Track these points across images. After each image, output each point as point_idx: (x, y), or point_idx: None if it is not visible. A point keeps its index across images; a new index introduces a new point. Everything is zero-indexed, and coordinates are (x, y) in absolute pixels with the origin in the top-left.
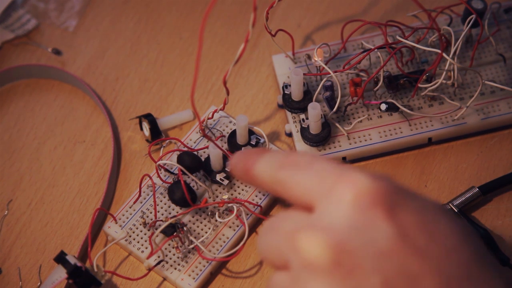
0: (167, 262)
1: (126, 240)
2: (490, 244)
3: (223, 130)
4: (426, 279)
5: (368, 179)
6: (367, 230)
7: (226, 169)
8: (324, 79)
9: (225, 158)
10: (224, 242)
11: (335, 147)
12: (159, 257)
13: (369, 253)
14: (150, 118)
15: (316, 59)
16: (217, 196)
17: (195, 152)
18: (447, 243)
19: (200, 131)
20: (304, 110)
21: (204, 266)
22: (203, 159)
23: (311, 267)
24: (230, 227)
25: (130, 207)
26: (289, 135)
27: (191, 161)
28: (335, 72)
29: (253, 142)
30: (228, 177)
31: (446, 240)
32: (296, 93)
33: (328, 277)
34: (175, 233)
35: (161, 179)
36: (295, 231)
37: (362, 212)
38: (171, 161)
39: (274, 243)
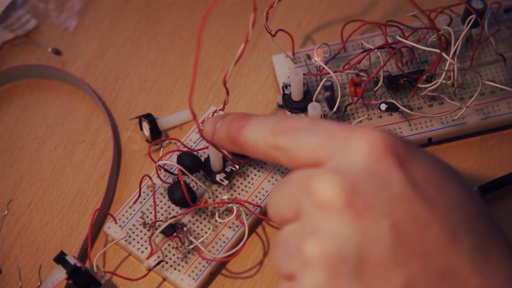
0: (167, 263)
1: (126, 241)
2: None
3: None
4: (434, 227)
5: (381, 132)
6: (380, 176)
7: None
8: (324, 79)
9: (225, 158)
10: (224, 242)
11: None
12: (159, 257)
13: (381, 197)
14: (150, 118)
15: (316, 59)
16: (217, 197)
17: (195, 153)
18: (454, 198)
19: (199, 132)
20: (304, 110)
21: (204, 266)
22: (203, 160)
23: (323, 207)
24: (230, 227)
25: (130, 207)
26: None
27: (191, 162)
28: (335, 72)
29: None
30: (228, 177)
31: (453, 195)
32: (296, 93)
33: (340, 217)
34: (175, 234)
35: (161, 179)
36: (307, 178)
37: (376, 161)
38: (171, 161)
39: (286, 193)
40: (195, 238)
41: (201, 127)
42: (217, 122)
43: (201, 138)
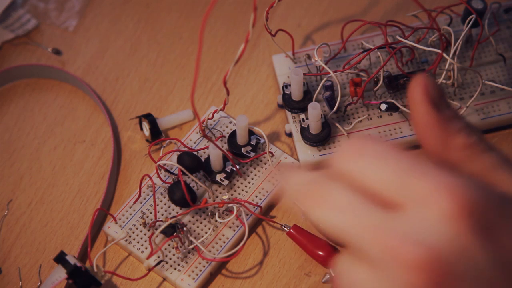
0: (167, 263)
1: (126, 240)
2: None
3: (223, 130)
4: None
5: (469, 188)
6: (467, 251)
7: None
8: (324, 79)
9: (225, 158)
10: (224, 242)
11: (335, 147)
12: (159, 257)
13: (470, 279)
14: (150, 118)
15: (316, 59)
16: (217, 197)
17: (195, 152)
18: None
19: (200, 132)
20: (304, 110)
21: (204, 266)
22: (203, 159)
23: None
24: (230, 227)
25: (130, 207)
26: (289, 135)
27: (191, 161)
28: (335, 72)
29: (253, 143)
30: (228, 177)
31: None
32: (296, 93)
33: None
34: (175, 234)
35: (161, 179)
36: (383, 233)
37: (462, 229)
38: (171, 161)
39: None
40: (195, 238)
41: (203, 126)
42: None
43: (201, 138)
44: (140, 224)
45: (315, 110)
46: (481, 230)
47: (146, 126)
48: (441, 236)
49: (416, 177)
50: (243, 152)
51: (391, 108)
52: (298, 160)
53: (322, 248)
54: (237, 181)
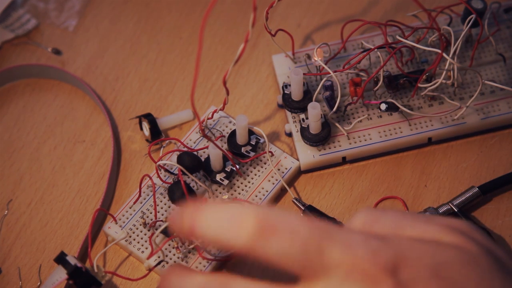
0: (167, 263)
1: (126, 241)
2: None
3: (223, 130)
4: None
5: (365, 247)
6: None
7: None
8: (324, 79)
9: (225, 158)
10: None
11: (335, 147)
12: (159, 257)
13: None
14: (150, 118)
15: (316, 59)
16: (217, 196)
17: (195, 152)
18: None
19: (200, 132)
20: (304, 110)
21: (204, 266)
22: (203, 159)
23: None
24: None
25: (130, 208)
26: (289, 135)
27: (191, 161)
28: (335, 72)
29: (253, 142)
30: (228, 177)
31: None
32: (296, 93)
33: None
34: (175, 234)
35: (161, 179)
36: None
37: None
38: (171, 161)
39: None
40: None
41: (202, 126)
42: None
43: (201, 138)
44: (140, 224)
45: (315, 110)
46: (400, 286)
47: (146, 126)
48: None
49: (330, 244)
50: (243, 152)
51: (391, 108)
52: (298, 159)
53: None
54: (237, 180)
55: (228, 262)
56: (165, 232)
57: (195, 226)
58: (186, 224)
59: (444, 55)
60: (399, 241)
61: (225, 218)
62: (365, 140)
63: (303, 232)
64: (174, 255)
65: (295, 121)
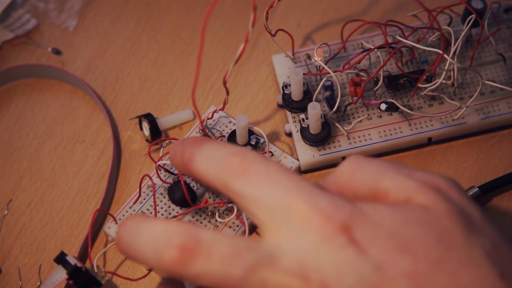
0: None
1: None
2: None
3: (223, 130)
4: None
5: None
6: (350, 263)
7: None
8: (324, 79)
9: None
10: None
11: (335, 147)
12: None
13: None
14: (150, 118)
15: (316, 59)
16: (217, 196)
17: None
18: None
19: (201, 131)
20: (304, 110)
21: None
22: None
23: None
24: (230, 227)
25: (130, 208)
26: (289, 135)
27: None
28: (335, 72)
29: (253, 142)
30: None
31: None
32: (296, 93)
33: None
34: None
35: (161, 179)
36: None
37: (339, 245)
38: None
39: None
40: None
41: (204, 125)
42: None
43: None
44: None
45: (315, 110)
46: (353, 243)
47: (146, 126)
48: (323, 256)
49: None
50: None
51: (391, 108)
52: (298, 159)
53: None
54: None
55: None
56: None
57: (192, 160)
58: (185, 156)
59: (444, 55)
60: (365, 203)
61: (221, 156)
62: (365, 140)
63: (283, 183)
64: None
65: (295, 121)
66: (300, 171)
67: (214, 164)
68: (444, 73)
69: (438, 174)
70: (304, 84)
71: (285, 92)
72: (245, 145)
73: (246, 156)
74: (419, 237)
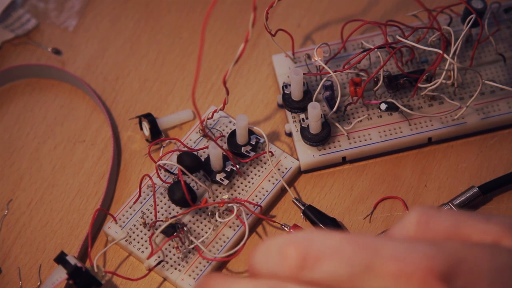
0: (167, 262)
1: (126, 241)
2: None
3: (223, 130)
4: None
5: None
6: None
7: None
8: (324, 79)
9: (225, 158)
10: (224, 242)
11: (335, 147)
12: (159, 257)
13: None
14: (150, 118)
15: (316, 58)
16: (217, 196)
17: (195, 152)
18: None
19: (201, 130)
20: (304, 109)
21: (204, 266)
22: (203, 159)
23: None
24: (230, 227)
25: (130, 207)
26: (289, 134)
27: (191, 161)
28: (335, 71)
29: (253, 142)
30: (228, 177)
31: None
32: (296, 93)
33: None
34: (175, 233)
35: (161, 179)
36: None
37: None
38: (171, 161)
39: None
40: (195, 238)
41: (204, 125)
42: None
43: (201, 138)
44: (140, 224)
45: (315, 110)
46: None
47: (146, 126)
48: None
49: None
50: (243, 152)
51: (391, 108)
52: (298, 159)
53: None
54: (237, 180)
55: (228, 262)
56: (165, 232)
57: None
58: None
59: (444, 55)
60: (453, 245)
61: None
62: (365, 140)
63: (347, 252)
64: (174, 255)
65: (295, 121)
66: (300, 171)
67: (274, 269)
68: (444, 73)
69: None
70: (304, 84)
71: (285, 92)
72: (245, 145)
73: (297, 242)
74: None
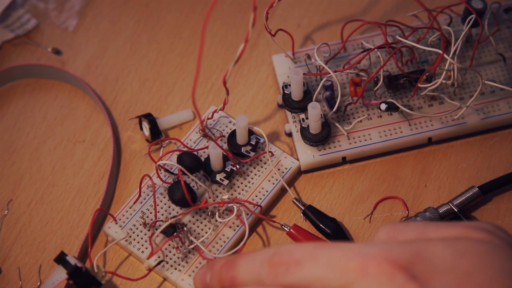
0: (167, 263)
1: (126, 241)
2: None
3: (223, 130)
4: None
5: (385, 251)
6: None
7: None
8: (324, 79)
9: (225, 158)
10: (224, 242)
11: (335, 147)
12: (159, 257)
13: None
14: (150, 118)
15: (316, 59)
16: (217, 196)
17: (195, 152)
18: None
19: (201, 130)
20: (304, 109)
21: None
22: (203, 159)
23: None
24: (230, 227)
25: (130, 208)
26: (289, 135)
27: (191, 161)
28: (335, 72)
29: (253, 142)
30: (228, 177)
31: None
32: (296, 93)
33: None
34: (175, 233)
35: (161, 179)
36: None
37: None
38: (171, 161)
39: None
40: (195, 238)
41: (204, 125)
42: (206, 276)
43: (201, 138)
44: (140, 224)
45: (315, 110)
46: (414, 280)
47: (146, 126)
48: None
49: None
50: (243, 152)
51: (391, 108)
52: (298, 159)
53: None
54: (237, 180)
55: None
56: (165, 232)
57: (236, 283)
58: (225, 283)
59: (444, 55)
60: (417, 242)
61: (260, 264)
62: (365, 140)
63: (326, 254)
64: (174, 255)
65: (295, 121)
66: (300, 171)
67: (258, 275)
68: (444, 73)
69: (480, 221)
70: (304, 84)
71: (285, 92)
72: (245, 145)
73: (280, 252)
74: (481, 266)
